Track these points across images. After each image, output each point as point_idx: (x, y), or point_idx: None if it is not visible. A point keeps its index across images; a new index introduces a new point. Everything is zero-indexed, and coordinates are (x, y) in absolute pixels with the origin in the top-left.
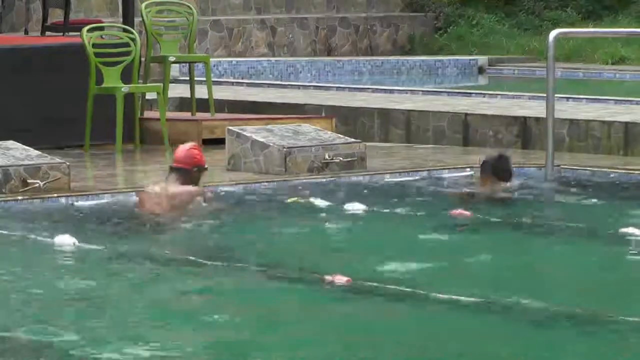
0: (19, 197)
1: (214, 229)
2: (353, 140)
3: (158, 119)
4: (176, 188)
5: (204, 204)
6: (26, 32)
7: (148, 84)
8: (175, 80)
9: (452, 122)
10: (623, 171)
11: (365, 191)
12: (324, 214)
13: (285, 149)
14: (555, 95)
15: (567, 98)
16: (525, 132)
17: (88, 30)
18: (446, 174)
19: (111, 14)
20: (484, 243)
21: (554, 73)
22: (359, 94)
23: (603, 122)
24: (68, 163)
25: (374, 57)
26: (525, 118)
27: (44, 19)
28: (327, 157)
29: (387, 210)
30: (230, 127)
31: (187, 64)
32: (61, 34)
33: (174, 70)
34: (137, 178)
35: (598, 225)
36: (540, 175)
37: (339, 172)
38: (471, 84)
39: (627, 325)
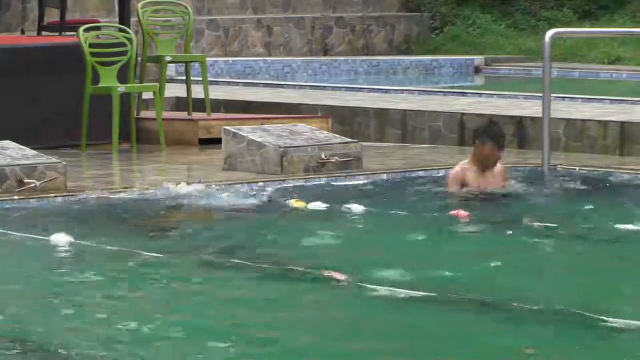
0: (15, 197)
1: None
2: (349, 140)
3: (154, 119)
4: None
5: None
6: (22, 32)
7: (144, 84)
8: (172, 80)
9: (448, 122)
10: (619, 171)
11: (361, 190)
12: (321, 216)
13: (281, 149)
14: (552, 95)
15: (563, 98)
16: (522, 131)
17: (84, 30)
18: (443, 174)
19: (107, 14)
20: (482, 243)
21: (550, 73)
22: (355, 93)
23: (599, 121)
24: (64, 163)
25: (370, 57)
26: (521, 118)
27: (40, 19)
28: (323, 157)
29: (385, 211)
30: (226, 127)
31: (184, 64)
32: (57, 33)
33: (170, 69)
34: (133, 178)
35: (594, 224)
36: (536, 175)
37: (335, 172)
38: (467, 83)
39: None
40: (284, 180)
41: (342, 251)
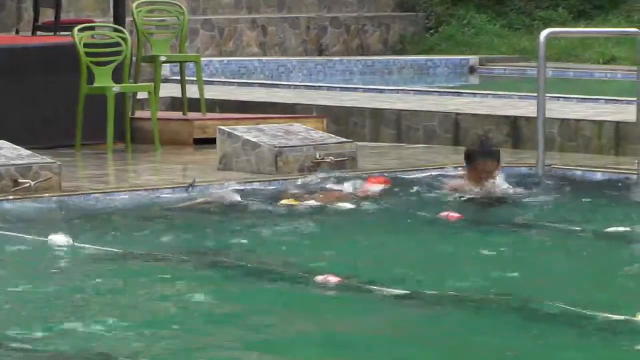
0: (10, 197)
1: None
2: (344, 140)
3: (149, 119)
4: None
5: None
6: (17, 32)
7: (139, 84)
8: (166, 80)
9: (442, 122)
10: (614, 171)
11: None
12: (313, 214)
13: (276, 149)
14: (546, 94)
15: (558, 97)
16: (516, 131)
17: (79, 30)
18: (437, 173)
19: (102, 14)
20: (474, 243)
21: (545, 72)
22: (350, 93)
23: (594, 121)
24: (59, 163)
25: (365, 57)
26: (515, 117)
27: (35, 19)
28: (318, 156)
29: (377, 209)
30: (221, 127)
31: (178, 64)
32: (52, 33)
33: (165, 69)
34: (128, 178)
35: (589, 224)
36: (531, 175)
37: (330, 172)
38: (462, 83)
39: (617, 324)
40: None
41: (331, 251)
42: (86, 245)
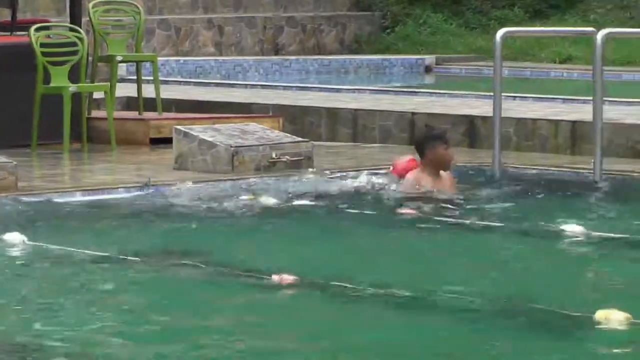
0: None
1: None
2: (300, 139)
3: (105, 119)
4: None
5: None
6: None
7: (95, 84)
8: (123, 80)
9: (398, 122)
10: (570, 170)
11: (313, 189)
12: (271, 211)
13: (232, 148)
14: (503, 94)
15: (514, 97)
16: (472, 131)
17: (35, 30)
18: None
19: (58, 14)
20: (428, 241)
21: (501, 72)
22: (306, 93)
23: (550, 121)
24: (15, 162)
25: (322, 56)
26: (472, 117)
27: None
28: (274, 156)
29: (334, 208)
30: (177, 127)
31: (135, 63)
32: (9, 33)
33: (121, 69)
34: (83, 177)
35: (544, 223)
36: (487, 174)
37: (286, 172)
38: (418, 83)
39: (570, 320)
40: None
41: (287, 249)
42: (41, 244)
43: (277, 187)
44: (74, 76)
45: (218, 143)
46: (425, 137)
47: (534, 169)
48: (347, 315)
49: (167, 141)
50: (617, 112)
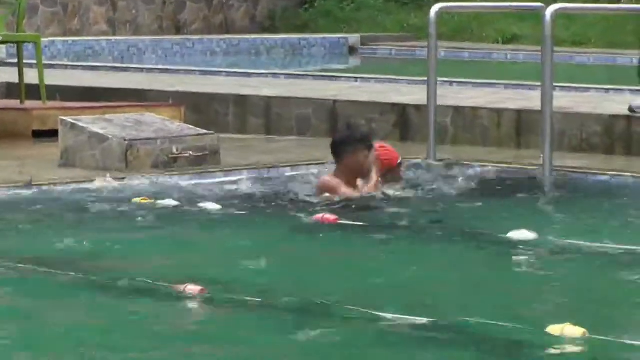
0: None
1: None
2: (205, 131)
3: None
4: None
5: None
6: None
7: None
8: (2, 63)
9: (318, 110)
10: (515, 167)
11: (219, 191)
12: (171, 215)
13: (126, 142)
14: (438, 78)
15: (451, 82)
16: (404, 121)
17: None
18: (313, 171)
19: None
20: (348, 249)
21: (437, 53)
22: (212, 77)
23: (492, 109)
24: None
25: (230, 36)
26: (403, 105)
27: None
28: (175, 151)
29: (242, 212)
30: (63, 117)
31: (15, 44)
32: None
33: (0, 51)
34: None
35: (483, 229)
36: (420, 171)
37: (189, 169)
38: (341, 66)
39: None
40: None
41: (192, 258)
42: None
43: (177, 186)
44: None
45: (110, 136)
46: (344, 140)
47: (474, 165)
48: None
49: (52, 134)
50: (569, 100)
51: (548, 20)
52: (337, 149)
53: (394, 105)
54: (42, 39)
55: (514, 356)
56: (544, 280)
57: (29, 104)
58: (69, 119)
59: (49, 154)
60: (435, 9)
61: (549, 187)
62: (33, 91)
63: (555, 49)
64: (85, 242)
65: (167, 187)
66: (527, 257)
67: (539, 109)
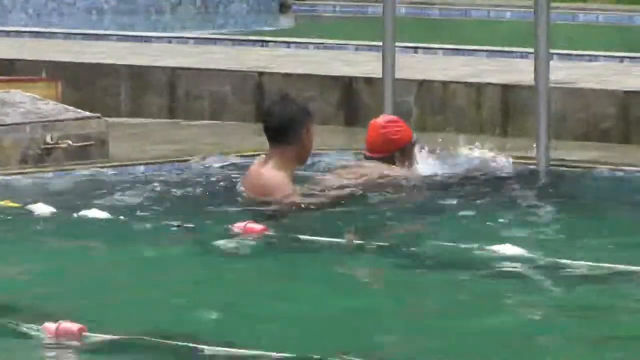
0: None
1: None
2: (89, 114)
3: None
4: None
5: None
6: None
7: None
8: None
9: (238, 87)
10: (500, 159)
11: (106, 191)
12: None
13: None
14: (398, 43)
15: (415, 48)
16: (351, 100)
17: None
18: (229, 163)
19: None
20: (275, 265)
21: (394, 10)
22: (98, 43)
23: (470, 84)
24: None
25: None
26: (350, 79)
27: None
28: (49, 140)
29: (137, 222)
30: None
31: None
32: None
33: None
34: None
35: (458, 242)
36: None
37: (68, 163)
38: (269, 27)
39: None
40: None
41: (61, 278)
42: None
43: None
44: None
45: None
46: (297, 114)
47: (446, 157)
48: None
49: None
50: (571, 72)
51: None
52: (289, 128)
53: (337, 78)
54: None
55: None
56: (531, 307)
57: None
58: None
59: None
60: None
61: (545, 187)
62: None
63: (553, 4)
64: None
65: (41, 187)
66: (507, 278)
67: (532, 83)
